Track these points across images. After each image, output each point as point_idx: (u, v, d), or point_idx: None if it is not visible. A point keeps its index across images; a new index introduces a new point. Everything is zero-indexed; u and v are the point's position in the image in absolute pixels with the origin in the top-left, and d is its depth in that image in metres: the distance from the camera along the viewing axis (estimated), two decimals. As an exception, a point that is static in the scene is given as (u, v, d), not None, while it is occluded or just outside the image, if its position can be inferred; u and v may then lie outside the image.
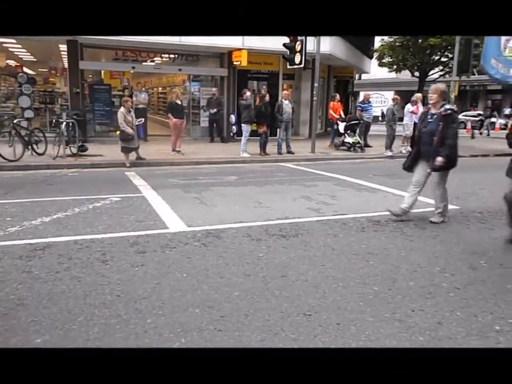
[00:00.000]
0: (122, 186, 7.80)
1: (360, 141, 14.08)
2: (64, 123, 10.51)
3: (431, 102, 5.53)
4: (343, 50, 17.47)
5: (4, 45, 14.55)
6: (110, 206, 6.23)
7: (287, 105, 12.58)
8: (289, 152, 12.76)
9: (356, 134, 14.19)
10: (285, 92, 13.83)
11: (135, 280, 3.72)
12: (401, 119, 14.04)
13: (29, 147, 10.43)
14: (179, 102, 12.14)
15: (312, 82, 14.05)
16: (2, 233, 4.87)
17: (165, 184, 8.09)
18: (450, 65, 18.92)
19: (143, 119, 13.22)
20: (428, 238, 5.09)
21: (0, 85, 15.12)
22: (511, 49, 6.46)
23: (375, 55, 23.77)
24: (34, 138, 10.76)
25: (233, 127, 14.32)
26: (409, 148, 14.01)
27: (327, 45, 14.70)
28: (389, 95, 29.97)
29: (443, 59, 21.84)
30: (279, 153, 12.61)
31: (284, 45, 12.91)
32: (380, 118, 14.17)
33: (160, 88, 22.51)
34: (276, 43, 13.06)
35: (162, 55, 16.20)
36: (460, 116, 29.50)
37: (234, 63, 15.28)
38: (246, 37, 14.13)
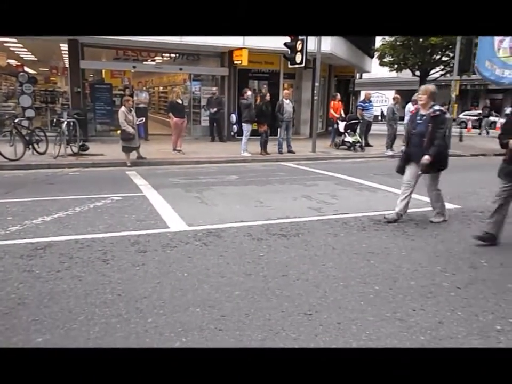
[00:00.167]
0: (123, 185, 7.80)
1: (360, 140, 14.06)
2: (65, 122, 10.51)
3: (420, 103, 5.48)
4: (344, 50, 17.46)
5: (5, 44, 14.56)
6: (111, 205, 6.23)
7: (288, 105, 12.57)
8: (290, 151, 12.75)
9: (356, 133, 14.18)
10: (286, 91, 13.82)
11: (136, 280, 3.72)
12: (402, 118, 14.02)
13: (30, 146, 10.43)
14: (180, 102, 12.14)
15: (313, 82, 14.03)
16: (3, 233, 4.88)
17: (166, 183, 8.09)
18: (451, 65, 18.90)
19: (143, 119, 13.22)
20: (428, 237, 5.08)
21: (1, 84, 15.12)
22: (505, 50, 6.45)
23: (376, 54, 23.73)
24: (35, 138, 10.76)
25: (234, 126, 14.31)
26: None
27: (328, 44, 14.69)
28: (390, 94, 29.95)
29: (444, 58, 21.81)
30: (280, 152, 12.61)
31: (285, 44, 12.90)
32: (379, 117, 14.16)
33: (161, 88, 22.51)
34: (276, 42, 13.06)
35: (163, 55, 16.20)
36: (461, 116, 29.48)
37: (235, 62, 15.27)
38: (246, 36, 14.11)
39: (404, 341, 2.87)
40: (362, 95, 17.96)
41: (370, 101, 15.36)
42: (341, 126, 14.17)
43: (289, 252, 4.49)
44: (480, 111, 30.11)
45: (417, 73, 23.06)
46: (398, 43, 21.68)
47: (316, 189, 7.87)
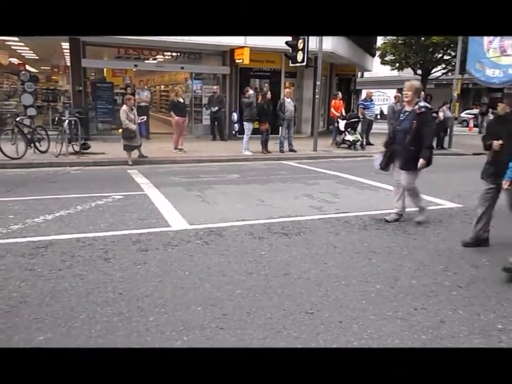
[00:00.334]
0: (124, 184, 7.80)
1: (361, 139, 14.05)
2: (67, 121, 10.52)
3: (406, 99, 5.37)
4: (345, 48, 17.43)
5: (7, 43, 14.56)
6: (113, 204, 6.24)
7: (289, 103, 12.56)
8: (291, 150, 12.74)
9: (357, 132, 14.16)
10: (287, 89, 13.80)
11: (137, 278, 3.73)
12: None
13: (32, 145, 10.44)
14: (181, 100, 12.14)
15: (314, 80, 14.01)
16: (5, 231, 4.89)
17: (167, 182, 8.10)
18: (453, 64, 18.86)
19: (145, 117, 13.22)
20: (430, 236, 5.08)
21: (3, 83, 15.13)
22: (495, 50, 6.42)
23: (378, 53, 23.70)
24: (37, 136, 10.77)
25: (235, 125, 14.32)
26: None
27: (329, 43, 14.67)
28: (391, 93, 29.90)
29: (446, 57, 21.77)
30: (281, 151, 12.60)
31: (286, 43, 12.89)
32: (378, 116, 14.14)
33: (162, 86, 22.49)
34: (278, 41, 13.05)
35: (165, 53, 16.19)
36: (463, 114, 29.44)
37: (237, 61, 15.26)
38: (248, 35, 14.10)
39: (405, 340, 2.87)
40: (363, 94, 17.93)
41: (371, 100, 15.34)
42: (342, 124, 14.16)
43: (291, 250, 4.49)
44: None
45: (419, 72, 23.02)
46: (399, 42, 21.64)
47: (317, 187, 7.86)
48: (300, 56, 12.77)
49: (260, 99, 12.52)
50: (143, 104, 14.53)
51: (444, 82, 25.75)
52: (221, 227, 5.21)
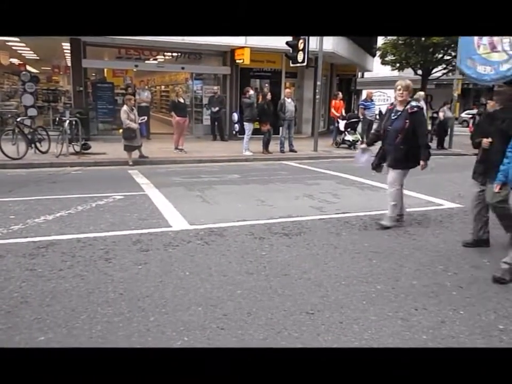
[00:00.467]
0: (125, 184, 7.80)
1: (361, 139, 14.03)
2: (67, 121, 10.53)
3: (400, 99, 5.27)
4: (345, 49, 17.42)
5: (7, 43, 14.57)
6: (113, 204, 6.24)
7: (289, 104, 12.56)
8: (291, 150, 12.74)
9: (357, 132, 14.15)
10: (288, 90, 13.80)
11: (138, 278, 3.73)
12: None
13: (32, 145, 10.44)
14: (182, 101, 12.14)
15: (315, 81, 14.01)
16: (5, 231, 4.89)
17: (168, 182, 8.10)
18: (453, 64, 18.85)
19: (145, 117, 13.21)
20: (430, 237, 5.08)
21: (3, 83, 15.15)
22: (485, 47, 6.37)
23: (378, 53, 23.69)
24: (37, 137, 10.77)
25: (236, 125, 14.32)
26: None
27: (329, 43, 14.66)
28: (392, 93, 29.87)
29: (446, 57, 21.76)
30: (282, 151, 12.60)
31: (287, 43, 12.89)
32: (377, 117, 14.13)
33: (163, 87, 22.51)
34: (278, 41, 13.05)
35: (165, 54, 16.20)
36: (463, 115, 29.41)
37: (237, 61, 15.26)
38: (248, 35, 14.10)
39: (406, 340, 2.87)
40: (364, 94, 17.92)
41: (372, 100, 15.33)
42: (341, 124, 14.15)
43: (291, 251, 4.49)
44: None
45: (419, 72, 23.01)
46: (400, 42, 21.64)
47: (317, 188, 7.86)
48: (300, 56, 12.77)
49: (260, 99, 12.52)
50: (143, 104, 14.53)
51: (444, 82, 25.72)
52: (222, 227, 5.21)
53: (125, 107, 9.85)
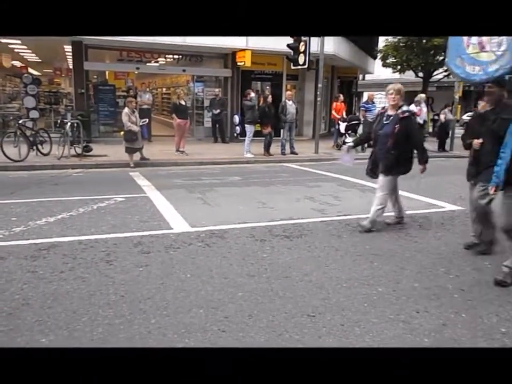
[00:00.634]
0: (126, 186, 7.81)
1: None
2: (69, 123, 10.55)
3: (392, 103, 5.20)
4: (347, 51, 17.45)
5: (9, 46, 14.62)
6: (115, 206, 6.25)
7: (290, 106, 12.57)
8: (292, 152, 12.74)
9: (357, 134, 14.14)
10: (289, 92, 13.80)
11: (139, 281, 3.73)
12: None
13: (34, 147, 10.47)
14: (183, 103, 12.16)
15: (316, 83, 14.03)
16: (7, 233, 4.90)
17: (169, 184, 8.10)
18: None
19: (147, 120, 13.23)
20: (432, 239, 5.07)
21: (5, 86, 15.19)
22: (474, 46, 6.34)
23: (379, 55, 23.70)
24: (39, 139, 10.81)
25: (237, 127, 14.33)
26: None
27: (331, 46, 14.68)
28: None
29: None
30: (283, 153, 12.60)
31: (288, 45, 12.90)
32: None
33: (164, 89, 22.56)
34: (279, 44, 13.05)
35: (167, 56, 16.23)
36: (464, 117, 29.38)
37: (238, 63, 15.29)
38: (249, 38, 14.12)
39: (407, 343, 2.86)
40: (365, 96, 17.93)
41: (373, 102, 15.33)
42: (342, 127, 14.15)
43: (293, 253, 4.49)
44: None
45: (420, 74, 23.01)
46: (401, 44, 21.64)
47: (318, 190, 7.86)
48: (301, 58, 12.79)
49: (261, 102, 12.53)
50: (145, 106, 14.55)
51: (446, 84, 25.72)
52: (223, 229, 5.21)
53: (126, 109, 9.87)
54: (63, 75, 16.16)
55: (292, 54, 13.07)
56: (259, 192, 7.63)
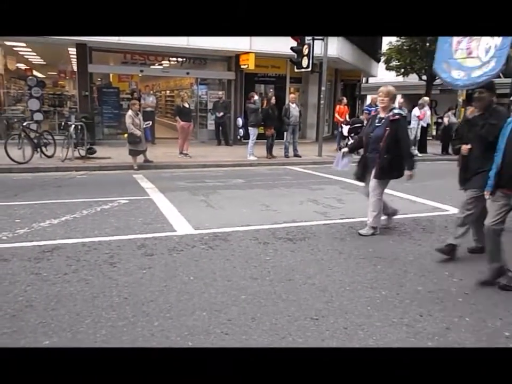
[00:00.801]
0: (130, 188, 7.83)
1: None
2: (73, 126, 10.59)
3: (381, 105, 5.17)
4: (350, 54, 17.45)
5: (14, 48, 14.70)
6: (118, 208, 6.26)
7: (294, 109, 12.58)
8: (296, 155, 12.75)
9: None
10: (292, 95, 13.82)
11: (142, 283, 3.73)
12: (408, 123, 13.97)
13: (38, 149, 10.51)
14: (186, 105, 12.19)
15: (319, 86, 14.03)
16: (11, 235, 4.91)
17: (173, 186, 8.11)
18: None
19: (150, 122, 13.27)
20: (435, 242, 5.04)
21: (10, 88, 15.26)
22: (462, 52, 6.34)
23: (383, 58, 23.68)
24: (43, 141, 10.84)
25: (240, 130, 14.35)
26: (416, 152, 14.01)
27: (334, 49, 14.69)
28: (396, 99, 29.81)
29: (451, 62, 21.69)
30: (286, 156, 12.61)
31: (292, 48, 12.92)
32: None
33: (168, 92, 22.61)
34: (283, 46, 13.07)
35: (170, 59, 16.28)
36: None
37: (242, 66, 15.32)
38: (253, 41, 14.15)
39: (410, 347, 2.85)
40: (368, 99, 17.93)
41: (376, 105, 15.27)
42: (345, 129, 14.15)
43: (296, 256, 4.49)
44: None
45: (424, 77, 22.97)
46: (404, 47, 21.61)
47: (322, 193, 7.85)
48: (305, 61, 12.80)
49: (265, 104, 12.55)
50: (148, 109, 14.60)
51: (449, 88, 25.64)
52: (226, 232, 5.21)
53: (130, 112, 9.90)
54: (67, 77, 16.24)
55: (296, 57, 13.09)
56: (262, 194, 7.63)
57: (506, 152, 3.58)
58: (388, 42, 22.57)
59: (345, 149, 5.88)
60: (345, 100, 15.31)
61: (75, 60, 14.26)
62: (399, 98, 20.23)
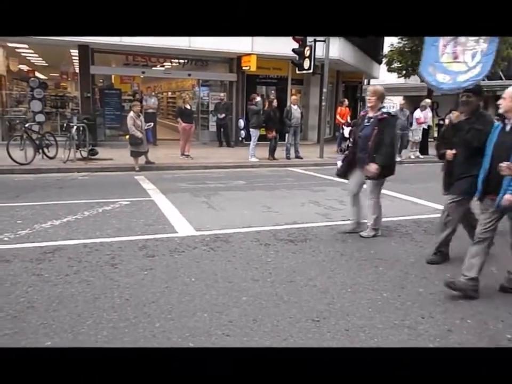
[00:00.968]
0: (131, 190, 7.84)
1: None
2: (75, 127, 10.61)
3: (369, 104, 5.14)
4: (352, 56, 17.45)
5: (16, 50, 14.74)
6: (120, 209, 6.26)
7: (295, 110, 12.58)
8: (297, 157, 12.75)
9: None
10: (294, 97, 13.83)
11: (143, 284, 3.73)
12: (411, 124, 13.97)
13: (40, 151, 10.52)
14: (188, 107, 12.21)
15: (321, 88, 14.03)
16: (13, 236, 4.92)
17: (174, 188, 8.12)
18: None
19: (152, 124, 13.30)
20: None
21: (12, 89, 15.30)
22: (448, 56, 6.33)
23: (384, 60, 23.67)
24: (45, 142, 10.85)
25: (242, 131, 14.36)
26: (418, 153, 14.00)
27: (336, 50, 14.70)
28: (398, 100, 29.80)
29: (452, 64, 21.67)
30: (288, 158, 12.61)
31: (293, 50, 12.93)
32: None
33: (169, 93, 22.64)
34: (285, 48, 13.08)
35: (172, 60, 16.30)
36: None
37: (243, 68, 15.33)
38: (255, 42, 14.16)
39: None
40: (370, 101, 17.90)
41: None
42: (346, 131, 14.14)
43: (297, 257, 4.48)
44: None
45: (426, 79, 22.95)
46: (406, 49, 21.61)
47: (323, 194, 7.85)
48: (306, 63, 12.80)
49: (266, 106, 12.56)
50: (150, 110, 14.62)
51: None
52: (227, 233, 5.21)
53: (131, 113, 9.91)
54: (69, 79, 16.28)
55: (297, 58, 13.09)
56: (264, 196, 7.63)
57: (493, 157, 3.52)
58: (389, 44, 22.56)
59: (346, 153, 5.84)
60: (346, 102, 15.31)
61: (77, 61, 14.29)
62: (400, 100, 20.25)
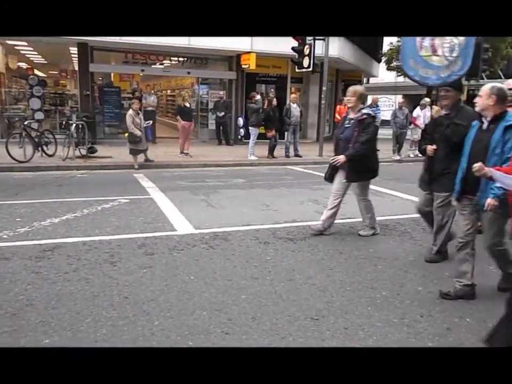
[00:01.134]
0: (130, 188, 7.83)
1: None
2: (74, 125, 10.59)
3: (349, 105, 5.09)
4: (351, 54, 17.44)
5: (16, 47, 14.72)
6: (119, 207, 6.26)
7: (295, 109, 12.57)
8: (297, 155, 12.75)
9: None
10: (293, 95, 13.82)
11: (142, 282, 3.73)
12: (410, 123, 13.98)
13: (39, 148, 10.51)
14: (187, 105, 12.20)
15: (320, 86, 14.02)
16: (12, 234, 4.92)
17: (173, 186, 8.12)
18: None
19: (151, 121, 13.28)
20: (436, 243, 5.04)
21: (11, 87, 15.28)
22: (426, 49, 6.26)
23: (384, 59, 23.68)
24: (44, 140, 10.85)
25: (241, 130, 14.36)
26: (417, 152, 14.00)
27: (335, 49, 14.68)
28: (397, 99, 29.83)
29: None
30: (287, 156, 12.61)
31: (293, 48, 12.92)
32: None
33: (169, 91, 22.63)
34: (284, 46, 13.07)
35: (172, 58, 16.28)
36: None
37: (243, 66, 15.31)
38: (254, 40, 14.15)
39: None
40: (369, 100, 17.90)
41: (377, 105, 15.30)
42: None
43: (296, 255, 4.49)
44: None
45: (425, 78, 22.94)
46: (406, 48, 21.58)
47: (322, 193, 7.84)
48: (306, 61, 12.80)
49: (266, 105, 12.55)
50: (149, 108, 14.60)
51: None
52: (226, 231, 5.21)
53: (130, 111, 9.89)
54: (68, 77, 16.28)
55: (297, 57, 13.08)
56: (263, 194, 7.63)
57: (471, 156, 3.42)
58: (388, 42, 22.57)
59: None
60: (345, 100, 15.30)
61: (76, 59, 14.27)
62: (399, 98, 20.24)
